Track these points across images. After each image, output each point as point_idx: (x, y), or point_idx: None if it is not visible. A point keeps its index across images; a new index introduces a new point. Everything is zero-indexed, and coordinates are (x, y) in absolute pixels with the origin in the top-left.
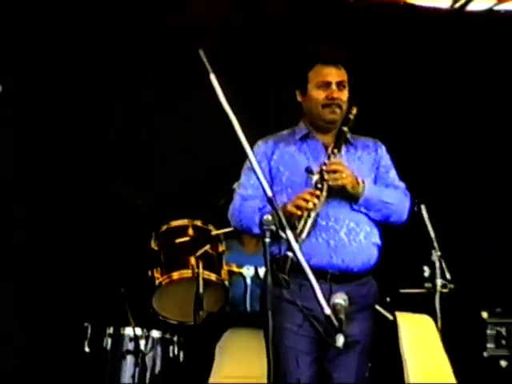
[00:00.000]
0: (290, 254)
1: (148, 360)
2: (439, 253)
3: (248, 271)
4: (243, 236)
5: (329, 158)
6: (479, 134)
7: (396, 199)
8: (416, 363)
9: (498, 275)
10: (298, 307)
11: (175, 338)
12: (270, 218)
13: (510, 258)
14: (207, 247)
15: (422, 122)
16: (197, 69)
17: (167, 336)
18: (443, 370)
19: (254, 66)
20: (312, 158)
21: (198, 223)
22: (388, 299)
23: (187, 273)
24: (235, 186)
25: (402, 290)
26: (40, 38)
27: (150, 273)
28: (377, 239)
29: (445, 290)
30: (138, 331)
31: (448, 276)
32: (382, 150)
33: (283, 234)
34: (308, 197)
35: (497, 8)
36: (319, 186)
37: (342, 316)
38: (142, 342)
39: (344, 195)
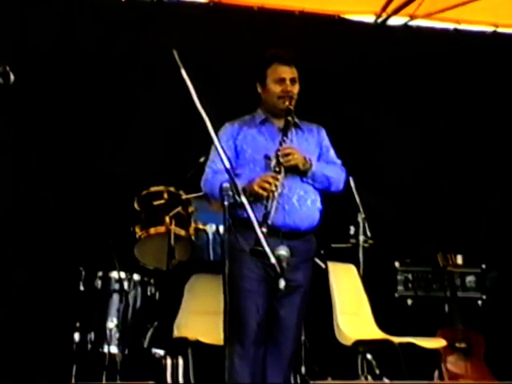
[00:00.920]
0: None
1: (130, 298)
2: (363, 215)
3: (211, 228)
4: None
5: (281, 144)
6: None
7: (335, 173)
8: (342, 302)
9: (407, 233)
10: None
11: (152, 281)
12: (227, 185)
13: (417, 220)
14: (179, 208)
15: (354, 114)
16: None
17: (145, 279)
18: (363, 307)
19: (221, 66)
20: (269, 139)
21: (172, 189)
22: (322, 252)
23: (162, 229)
24: (202, 160)
25: (333, 245)
26: None
27: (132, 228)
28: (319, 205)
29: (366, 245)
30: (123, 274)
31: (369, 234)
32: (323, 133)
33: (238, 199)
34: (271, 180)
35: (410, 23)
36: (277, 169)
37: (284, 264)
38: (126, 283)
39: (296, 171)
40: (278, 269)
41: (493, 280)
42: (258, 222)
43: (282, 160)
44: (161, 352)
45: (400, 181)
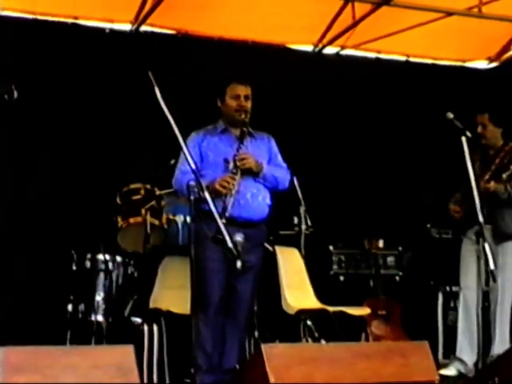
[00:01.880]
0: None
1: (114, 275)
2: (304, 208)
3: (179, 218)
4: None
5: (238, 150)
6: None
7: (282, 174)
8: (287, 279)
9: (340, 222)
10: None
11: (132, 262)
12: (193, 183)
13: (348, 212)
14: (153, 202)
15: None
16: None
17: (126, 260)
18: (304, 283)
19: (188, 86)
20: (228, 146)
21: (148, 186)
22: (271, 238)
23: (139, 219)
24: (172, 162)
25: (280, 232)
26: None
27: (114, 218)
28: (269, 201)
29: (306, 232)
30: (107, 256)
31: (309, 223)
32: (273, 141)
33: (202, 194)
34: (229, 179)
35: (341, 52)
36: (234, 171)
37: (240, 248)
38: (110, 264)
39: (250, 172)
40: (234, 252)
41: (407, 259)
42: (218, 213)
43: (238, 163)
44: (139, 320)
45: (335, 179)
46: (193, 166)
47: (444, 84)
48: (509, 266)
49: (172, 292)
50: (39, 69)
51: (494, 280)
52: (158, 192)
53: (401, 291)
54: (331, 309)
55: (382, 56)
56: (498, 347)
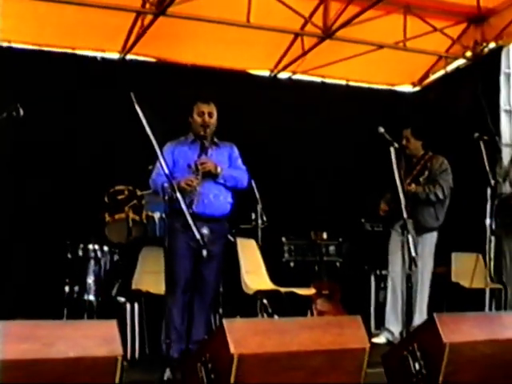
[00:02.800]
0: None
1: (102, 262)
2: (261, 206)
3: (157, 215)
4: None
5: (199, 157)
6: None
7: (240, 175)
8: (246, 265)
9: (290, 218)
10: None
11: (117, 251)
12: (167, 185)
13: (297, 209)
14: (135, 201)
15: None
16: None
17: (112, 249)
18: (260, 268)
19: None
20: (195, 154)
21: (130, 188)
22: (233, 231)
23: (123, 215)
24: (150, 167)
25: (240, 226)
26: None
27: (102, 215)
28: (230, 199)
29: (262, 226)
30: (96, 246)
31: (264, 218)
32: (234, 148)
33: (175, 195)
34: (192, 179)
35: (292, 77)
36: (196, 173)
37: (206, 239)
38: (99, 253)
39: (210, 175)
40: (201, 242)
41: (346, 248)
42: (187, 211)
43: (199, 167)
44: (123, 299)
45: (286, 183)
46: (166, 171)
47: (377, 103)
48: (426, 253)
49: (150, 276)
50: (42, 90)
51: (416, 265)
52: (139, 193)
53: (341, 275)
54: (283, 289)
55: (327, 80)
56: (418, 319)
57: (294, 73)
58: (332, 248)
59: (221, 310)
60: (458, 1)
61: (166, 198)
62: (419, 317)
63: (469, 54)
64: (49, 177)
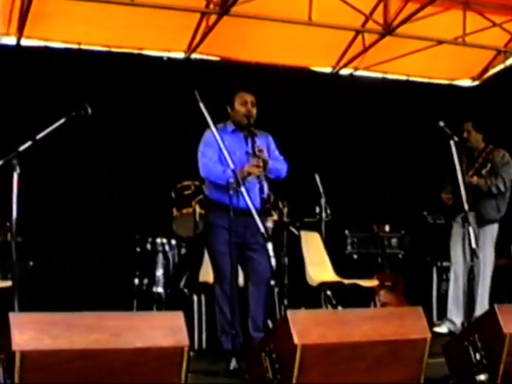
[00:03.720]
0: None
1: (170, 256)
2: (324, 199)
3: None
4: None
5: (253, 145)
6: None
7: (281, 166)
8: (310, 257)
9: (353, 211)
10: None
11: (184, 244)
12: (232, 181)
13: (360, 202)
14: (201, 196)
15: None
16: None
17: (180, 243)
18: (324, 261)
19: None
20: (239, 145)
21: (197, 183)
22: (297, 224)
23: (190, 210)
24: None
25: (305, 219)
26: None
27: (171, 210)
28: (268, 190)
29: (326, 220)
30: (164, 240)
31: (328, 212)
32: (270, 138)
33: (239, 189)
34: (256, 163)
35: (354, 73)
36: (257, 159)
37: (270, 232)
38: (167, 246)
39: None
40: (265, 236)
41: (408, 241)
42: (254, 207)
43: (258, 154)
44: (190, 291)
45: (348, 177)
46: (232, 166)
47: (437, 98)
48: (488, 244)
49: None
50: (111, 90)
51: (477, 256)
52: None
53: (403, 267)
54: (346, 281)
55: (387, 76)
56: (479, 310)
57: (356, 69)
58: (394, 240)
59: (286, 302)
60: None
61: (231, 192)
62: (480, 308)
63: None
64: (118, 175)
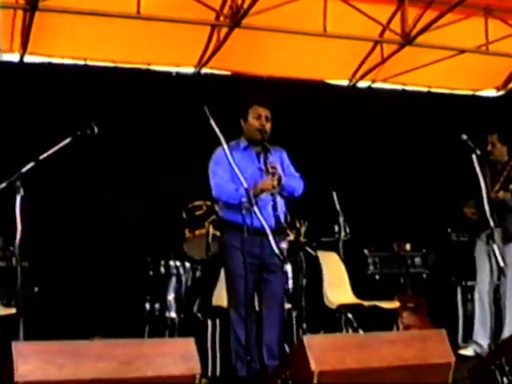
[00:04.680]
0: None
1: (183, 279)
2: (342, 218)
3: None
4: None
5: (265, 161)
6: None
7: (296, 183)
8: (329, 278)
9: (372, 230)
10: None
11: (199, 267)
12: (245, 200)
13: (379, 221)
14: (214, 216)
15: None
16: None
17: (194, 265)
18: (344, 282)
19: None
20: (251, 162)
21: (209, 203)
22: (314, 244)
23: (203, 231)
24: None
25: (322, 239)
26: None
27: (182, 231)
28: (284, 208)
29: (345, 239)
30: (178, 263)
31: (347, 230)
32: (284, 154)
33: (252, 208)
34: (270, 181)
35: (372, 86)
36: (271, 176)
37: (285, 253)
38: (181, 269)
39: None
40: (281, 257)
41: (431, 259)
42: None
43: (271, 171)
44: (204, 316)
45: (367, 194)
46: (245, 185)
47: (459, 110)
48: None
49: None
50: (118, 108)
51: (505, 275)
52: (217, 208)
53: (426, 286)
54: (366, 303)
55: (407, 88)
56: (507, 332)
57: (374, 81)
58: (417, 259)
59: (304, 325)
60: None
61: (244, 212)
62: (509, 329)
63: None
64: (127, 195)
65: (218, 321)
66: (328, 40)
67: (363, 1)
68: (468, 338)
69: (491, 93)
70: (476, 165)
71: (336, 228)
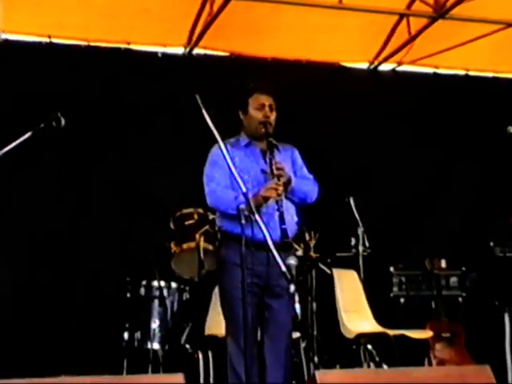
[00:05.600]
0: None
1: (169, 302)
2: (362, 229)
3: None
4: None
5: (271, 161)
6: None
7: (309, 187)
8: (345, 302)
9: (399, 243)
10: (247, 270)
11: (187, 288)
12: (244, 207)
13: (407, 231)
14: (207, 227)
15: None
16: None
17: (181, 286)
18: (363, 306)
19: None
20: (255, 161)
21: (201, 211)
22: (329, 260)
23: (192, 244)
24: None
25: (338, 254)
26: None
27: (168, 244)
28: (296, 217)
29: (365, 253)
30: (162, 283)
31: (367, 244)
32: (297, 153)
33: (253, 218)
34: (275, 186)
35: (397, 69)
36: (276, 179)
37: (293, 272)
38: (165, 291)
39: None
40: (288, 276)
41: (472, 280)
42: (271, 239)
43: (276, 173)
44: (194, 348)
45: (393, 199)
46: (243, 189)
47: (504, 96)
48: None
49: None
50: (91, 95)
51: None
52: (211, 216)
53: (464, 313)
54: (391, 332)
55: (441, 71)
56: None
57: (400, 64)
58: (453, 279)
59: (316, 359)
60: None
61: (244, 222)
62: None
63: None
64: (102, 201)
65: (210, 353)
66: (344, 14)
67: None
68: None
69: None
70: None
71: (354, 240)
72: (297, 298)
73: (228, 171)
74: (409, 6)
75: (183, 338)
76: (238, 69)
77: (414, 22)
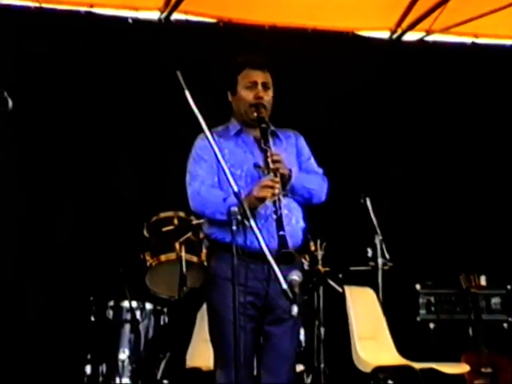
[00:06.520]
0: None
1: (142, 328)
2: (380, 237)
3: None
4: None
5: (266, 152)
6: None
7: (316, 184)
8: (360, 327)
9: (428, 254)
10: (241, 287)
11: (165, 309)
12: (236, 209)
13: (438, 241)
14: (189, 234)
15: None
16: None
17: (158, 308)
18: (382, 332)
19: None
20: (248, 152)
21: (182, 214)
22: (340, 275)
23: (172, 256)
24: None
25: (351, 268)
26: None
27: (142, 256)
28: (302, 222)
29: (385, 267)
30: (134, 304)
31: (387, 256)
32: (302, 141)
33: (247, 223)
34: (270, 183)
35: (426, 39)
36: (272, 174)
37: (297, 290)
38: (138, 313)
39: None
40: (290, 295)
41: None
42: (267, 248)
43: (272, 166)
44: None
45: (419, 200)
46: (234, 187)
47: None
48: None
49: None
50: (43, 70)
51: None
52: (194, 221)
53: (510, 342)
54: (418, 365)
55: (480, 40)
56: None
57: (429, 32)
58: (496, 300)
59: None
60: None
61: (235, 228)
62: None
63: None
64: (63, 200)
65: None
66: None
67: None
68: None
69: None
70: None
71: (371, 251)
72: (300, 322)
73: (215, 166)
74: None
75: (159, 371)
76: (228, 39)
77: None
